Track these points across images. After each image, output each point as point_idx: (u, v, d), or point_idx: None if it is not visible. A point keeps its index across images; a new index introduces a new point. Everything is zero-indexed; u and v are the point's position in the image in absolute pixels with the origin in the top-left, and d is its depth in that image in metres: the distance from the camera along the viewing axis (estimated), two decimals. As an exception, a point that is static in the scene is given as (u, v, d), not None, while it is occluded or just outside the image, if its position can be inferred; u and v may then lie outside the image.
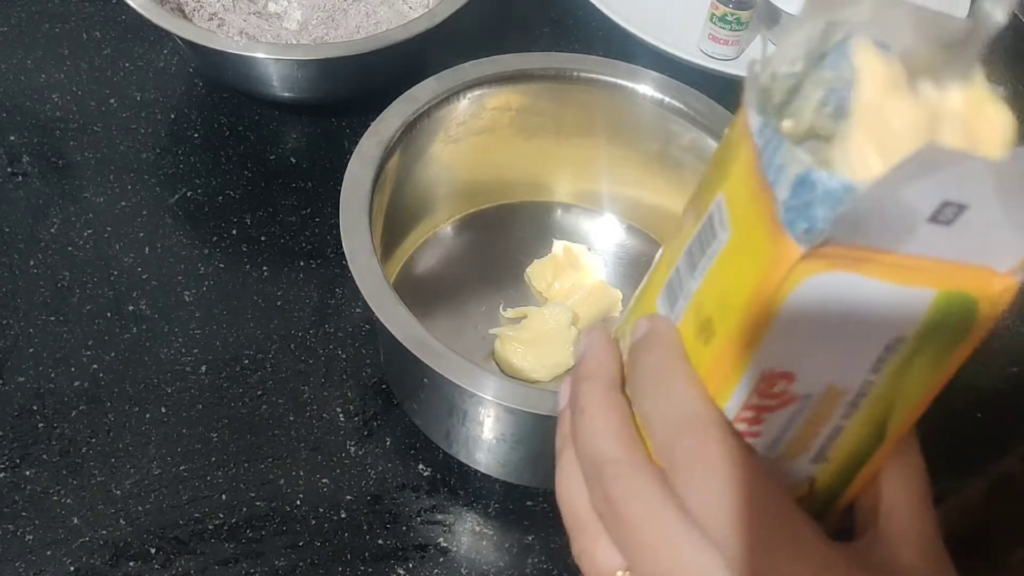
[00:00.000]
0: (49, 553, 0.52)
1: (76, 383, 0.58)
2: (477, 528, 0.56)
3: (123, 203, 0.67)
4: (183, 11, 0.72)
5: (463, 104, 0.61)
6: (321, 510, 0.55)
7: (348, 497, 0.56)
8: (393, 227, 0.62)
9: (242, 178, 0.70)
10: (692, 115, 0.61)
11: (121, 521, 0.53)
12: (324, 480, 0.56)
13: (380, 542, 0.54)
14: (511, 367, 0.60)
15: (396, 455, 0.58)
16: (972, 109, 0.24)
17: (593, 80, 0.63)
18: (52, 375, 0.58)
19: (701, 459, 0.25)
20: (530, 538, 0.56)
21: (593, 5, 0.82)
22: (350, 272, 0.51)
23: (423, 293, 0.63)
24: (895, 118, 0.23)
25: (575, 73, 0.63)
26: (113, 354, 0.60)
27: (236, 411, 0.58)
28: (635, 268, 0.68)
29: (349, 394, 0.60)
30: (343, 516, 0.55)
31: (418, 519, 0.56)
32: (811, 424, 0.26)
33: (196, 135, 0.72)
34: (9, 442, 0.56)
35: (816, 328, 0.24)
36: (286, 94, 0.71)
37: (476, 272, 0.66)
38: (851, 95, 0.23)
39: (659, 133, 0.63)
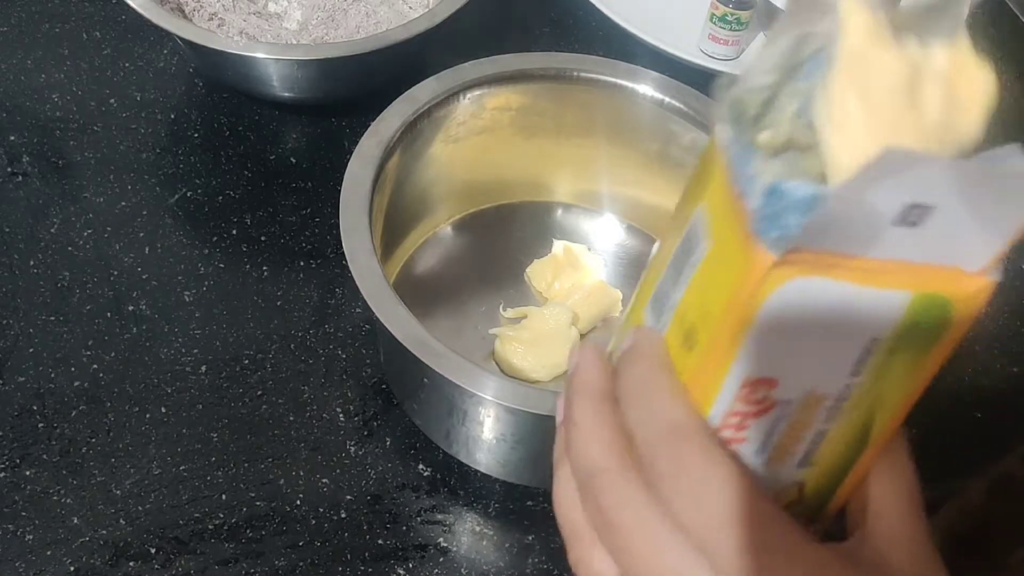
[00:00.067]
0: (49, 553, 0.52)
1: (76, 383, 0.58)
2: (477, 528, 0.56)
3: (123, 203, 0.67)
4: (183, 11, 0.72)
5: (463, 104, 0.61)
6: (321, 510, 0.55)
7: (348, 497, 0.56)
8: (393, 227, 0.62)
9: (242, 178, 0.70)
10: (692, 115, 0.61)
11: (121, 521, 0.53)
12: (324, 480, 0.56)
13: (380, 542, 0.54)
14: (511, 367, 0.60)
15: (396, 455, 0.58)
16: (955, 68, 0.24)
17: (593, 80, 0.63)
18: (52, 375, 0.58)
19: (683, 468, 0.26)
20: (530, 538, 0.56)
21: (593, 5, 0.82)
22: (350, 272, 0.51)
23: (423, 293, 0.63)
24: (878, 66, 0.23)
25: (575, 73, 0.63)
26: (113, 354, 0.60)
27: (236, 411, 0.58)
28: (635, 268, 0.68)
29: (349, 394, 0.60)
30: (343, 516, 0.55)
31: (418, 519, 0.56)
32: (795, 429, 0.26)
33: (196, 135, 0.72)
34: (9, 442, 0.56)
35: (794, 333, 0.24)
36: (286, 94, 0.71)
37: (476, 272, 0.66)
38: (835, 44, 0.23)
39: (659, 133, 0.63)
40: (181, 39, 0.66)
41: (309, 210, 0.68)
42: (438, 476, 0.57)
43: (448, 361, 0.48)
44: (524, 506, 0.57)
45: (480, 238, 0.68)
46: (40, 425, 0.56)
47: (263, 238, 0.67)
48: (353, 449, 0.58)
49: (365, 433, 0.58)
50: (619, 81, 0.63)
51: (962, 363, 0.66)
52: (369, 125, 0.58)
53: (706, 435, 0.26)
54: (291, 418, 0.58)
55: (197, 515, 0.54)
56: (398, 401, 0.59)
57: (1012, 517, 0.50)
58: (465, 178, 0.66)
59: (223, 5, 0.73)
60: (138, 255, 0.65)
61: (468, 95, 0.61)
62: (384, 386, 0.60)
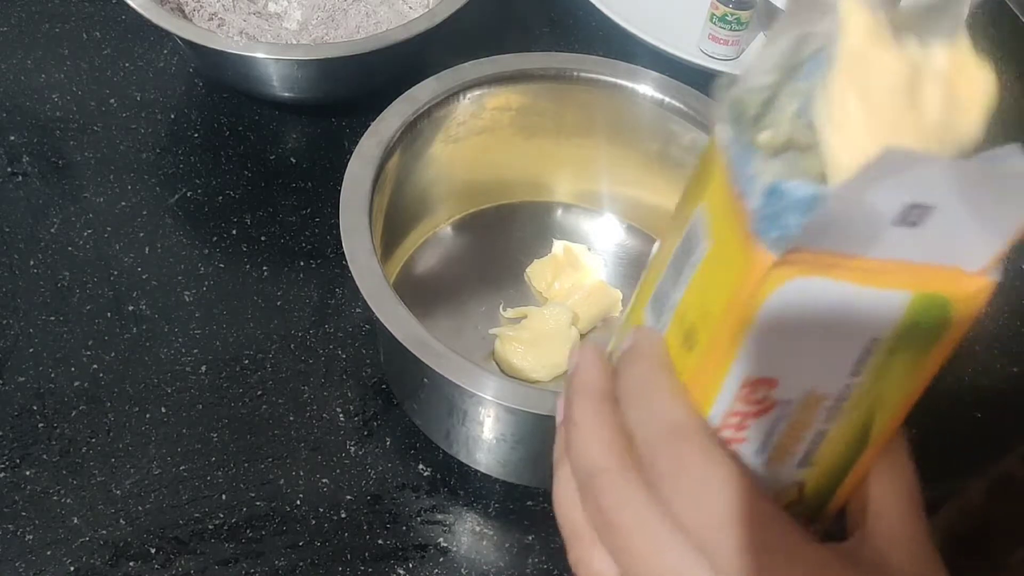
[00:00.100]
0: (49, 553, 0.52)
1: (76, 383, 0.58)
2: (477, 528, 0.56)
3: (123, 203, 0.67)
4: (183, 11, 0.72)
5: (463, 104, 0.61)
6: (321, 510, 0.55)
7: (348, 497, 0.56)
8: (393, 227, 0.62)
9: (242, 178, 0.70)
10: (692, 115, 0.61)
11: (121, 521, 0.53)
12: (324, 480, 0.56)
13: (380, 542, 0.54)
14: (511, 367, 0.60)
15: (396, 455, 0.58)
16: (955, 68, 0.24)
17: (593, 80, 0.63)
18: (52, 375, 0.58)
19: (683, 468, 0.26)
20: (530, 538, 0.56)
21: (593, 5, 0.82)
22: (350, 272, 0.51)
23: (423, 293, 0.63)
24: (878, 66, 0.23)
25: (575, 73, 0.63)
26: (113, 354, 0.60)
27: (236, 411, 0.58)
28: (635, 268, 0.68)
29: (349, 394, 0.60)
30: (343, 516, 0.55)
31: (418, 519, 0.56)
32: (795, 429, 0.26)
33: (196, 135, 0.72)
34: (9, 442, 0.56)
35: (793, 333, 0.24)
36: (286, 94, 0.71)
37: (476, 272, 0.66)
38: (835, 44, 0.23)
39: (659, 133, 0.63)
40: (181, 39, 0.66)
41: (309, 210, 0.68)
42: (438, 476, 0.57)
43: (448, 361, 0.48)
44: (524, 506, 0.57)
45: (480, 238, 0.68)
46: (40, 425, 0.56)
47: (263, 238, 0.67)
48: (353, 449, 0.58)
49: (365, 433, 0.58)
50: (619, 81, 0.63)
51: (962, 363, 0.66)
52: (369, 125, 0.58)
53: (706, 435, 0.26)
54: (291, 418, 0.58)
55: (197, 515, 0.54)
56: (398, 401, 0.59)
57: (1012, 517, 0.50)
58: (465, 178, 0.66)
59: (223, 5, 0.73)
60: (138, 255, 0.65)
61: (468, 95, 0.61)
62: (384, 386, 0.60)
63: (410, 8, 0.76)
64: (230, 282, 0.64)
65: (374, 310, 0.49)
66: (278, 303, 0.63)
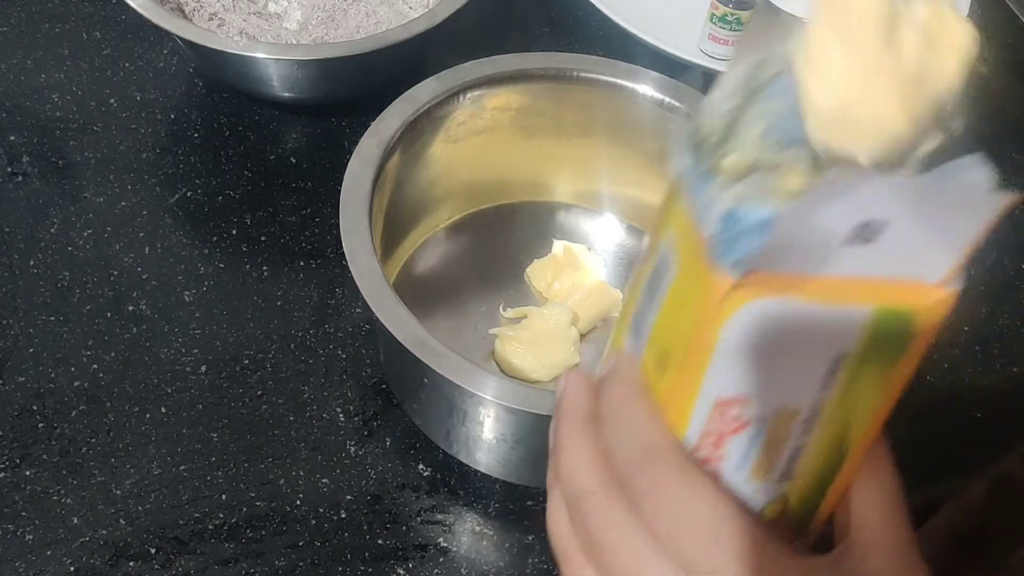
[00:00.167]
0: (49, 553, 0.52)
1: (76, 383, 0.58)
2: (477, 528, 0.56)
3: (123, 203, 0.67)
4: (183, 11, 0.72)
5: (463, 104, 0.61)
6: (321, 510, 0.55)
7: (348, 497, 0.56)
8: (393, 227, 0.62)
9: (242, 178, 0.70)
10: (692, 115, 0.61)
11: (121, 521, 0.53)
12: (324, 480, 0.56)
13: (380, 542, 0.54)
14: (511, 367, 0.60)
15: (396, 455, 0.58)
16: (935, 19, 0.24)
17: (593, 80, 0.63)
18: (52, 375, 0.58)
19: (659, 488, 0.26)
20: (530, 538, 0.56)
21: (593, 5, 0.82)
22: (350, 272, 0.51)
23: (423, 293, 0.63)
24: (857, 5, 0.23)
25: (575, 73, 0.63)
26: (113, 354, 0.60)
27: (236, 411, 0.58)
28: (635, 268, 0.68)
29: (349, 394, 0.60)
30: (343, 516, 0.55)
31: (418, 519, 0.56)
32: (772, 445, 0.27)
33: (196, 135, 0.72)
34: (9, 442, 0.56)
35: (759, 353, 0.25)
36: (286, 94, 0.71)
37: (476, 272, 0.66)
38: None
39: (659, 133, 0.63)
40: (181, 39, 0.66)
41: (309, 210, 0.68)
42: (438, 476, 0.57)
43: (448, 361, 0.48)
44: (524, 506, 0.57)
45: (480, 238, 0.68)
46: (40, 425, 0.56)
47: (263, 238, 0.67)
48: (353, 449, 0.58)
49: (365, 433, 0.58)
50: (619, 81, 0.63)
51: (962, 363, 0.66)
52: (369, 125, 0.58)
53: (680, 455, 0.27)
54: (291, 418, 0.58)
55: (197, 515, 0.54)
56: (398, 401, 0.59)
57: (1012, 517, 0.50)
58: (465, 178, 0.66)
59: (223, 5, 0.73)
60: (138, 255, 0.65)
61: (468, 95, 0.61)
62: (384, 386, 0.60)
63: (410, 8, 0.76)
64: (230, 282, 0.64)
65: (374, 310, 0.49)
66: (278, 303, 0.63)
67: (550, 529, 0.30)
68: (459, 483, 0.57)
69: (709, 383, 0.25)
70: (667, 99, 0.62)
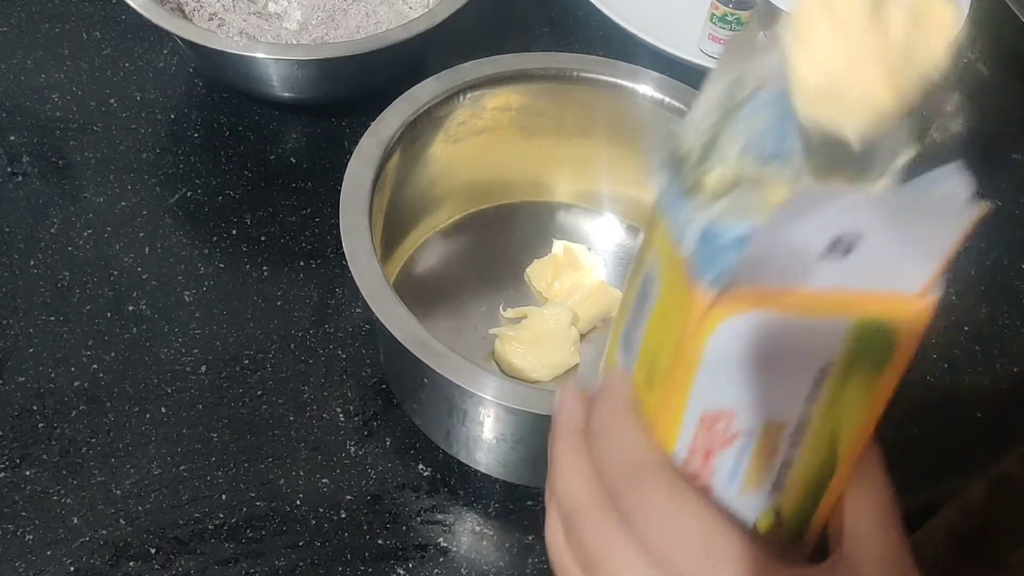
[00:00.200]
0: (49, 553, 0.52)
1: (76, 383, 0.58)
2: (477, 528, 0.56)
3: (123, 203, 0.67)
4: (183, 11, 0.72)
5: (463, 104, 0.61)
6: (321, 510, 0.55)
7: (348, 497, 0.56)
8: (393, 227, 0.62)
9: (242, 178, 0.70)
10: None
11: (121, 521, 0.53)
12: (324, 480, 0.56)
13: (380, 542, 0.54)
14: (511, 367, 0.60)
15: (396, 455, 0.58)
16: (920, 1, 0.25)
17: (593, 80, 0.63)
18: (52, 375, 0.58)
19: (647, 503, 0.27)
20: (530, 538, 0.56)
21: (593, 5, 0.82)
22: (350, 272, 0.51)
23: (423, 293, 0.63)
24: None
25: (575, 73, 0.63)
26: (113, 354, 0.60)
27: (236, 411, 0.58)
28: (635, 268, 0.68)
29: (349, 394, 0.60)
30: (343, 516, 0.55)
31: (418, 519, 0.56)
32: (761, 457, 0.27)
33: (196, 135, 0.72)
34: (9, 442, 0.56)
35: (743, 367, 0.25)
36: (286, 94, 0.71)
37: (476, 272, 0.66)
38: None
39: (659, 133, 0.63)
40: (181, 39, 0.66)
41: (309, 210, 0.68)
42: (438, 476, 0.57)
43: (448, 361, 0.48)
44: (524, 506, 0.57)
45: (480, 238, 0.68)
46: (40, 425, 0.56)
47: (263, 238, 0.67)
48: (353, 449, 0.58)
49: (365, 433, 0.58)
50: (619, 81, 0.63)
51: (962, 363, 0.66)
52: (369, 125, 0.58)
53: (668, 471, 0.27)
54: (291, 418, 0.58)
55: (197, 515, 0.54)
56: (398, 401, 0.59)
57: (1012, 517, 0.50)
58: (465, 178, 0.66)
59: (223, 5, 0.73)
60: (138, 255, 0.65)
61: (468, 95, 0.61)
62: (384, 386, 0.60)
63: (410, 8, 0.76)
64: (230, 282, 0.64)
65: (374, 310, 0.49)
66: (278, 303, 0.63)
67: (548, 543, 0.30)
68: (459, 483, 0.57)
69: (695, 398, 0.26)
70: (667, 99, 0.62)
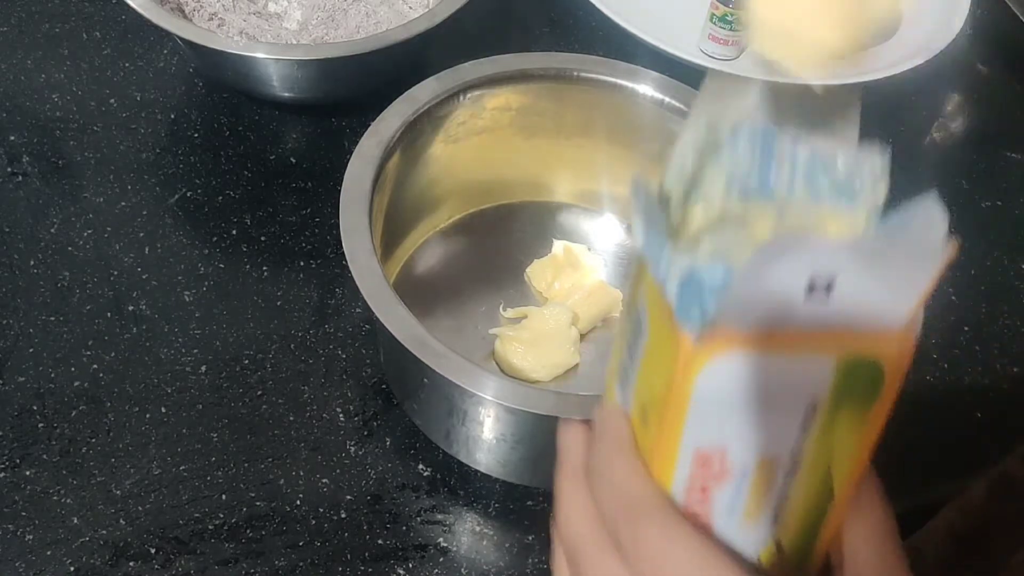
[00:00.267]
0: (49, 553, 0.52)
1: (76, 383, 0.58)
2: (477, 528, 0.56)
3: (123, 203, 0.67)
4: (183, 11, 0.72)
5: (463, 104, 0.61)
6: (321, 510, 0.55)
7: (348, 497, 0.56)
8: (393, 227, 0.62)
9: (242, 178, 0.70)
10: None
11: (121, 521, 0.53)
12: (324, 480, 0.56)
13: (380, 542, 0.54)
14: (511, 367, 0.60)
15: (396, 455, 0.58)
16: None
17: (593, 80, 0.63)
18: (52, 375, 0.58)
19: (642, 541, 0.27)
20: (530, 538, 0.56)
21: (593, 5, 0.82)
22: (350, 272, 0.51)
23: (423, 293, 0.63)
24: None
25: (575, 73, 0.63)
26: (113, 354, 0.60)
27: (236, 411, 0.58)
28: (635, 268, 0.68)
29: (349, 394, 0.60)
30: (343, 516, 0.55)
31: (418, 519, 0.56)
32: (758, 491, 0.27)
33: (196, 135, 0.72)
34: (9, 442, 0.56)
35: (731, 406, 0.25)
36: (286, 94, 0.71)
37: (476, 272, 0.66)
38: None
39: (659, 133, 0.63)
40: (181, 39, 0.66)
41: (309, 210, 0.68)
42: (438, 476, 0.57)
43: (448, 361, 0.48)
44: (524, 506, 0.57)
45: (480, 238, 0.68)
46: (40, 425, 0.56)
47: (263, 238, 0.67)
48: (353, 449, 0.58)
49: (365, 433, 0.58)
50: (619, 81, 0.63)
51: (962, 363, 0.66)
52: (369, 125, 0.58)
53: (662, 508, 0.27)
54: (291, 418, 0.58)
55: (197, 515, 0.54)
56: (398, 401, 0.59)
57: (1012, 517, 0.50)
58: (465, 178, 0.66)
59: (223, 5, 0.73)
60: (138, 255, 0.65)
61: (468, 95, 0.61)
62: (384, 386, 0.60)
63: (410, 8, 0.76)
64: (230, 282, 0.64)
65: (374, 310, 0.49)
66: (278, 303, 0.63)
67: (553, 574, 0.31)
68: (459, 483, 0.57)
69: (688, 436, 0.26)
70: (667, 99, 0.62)
